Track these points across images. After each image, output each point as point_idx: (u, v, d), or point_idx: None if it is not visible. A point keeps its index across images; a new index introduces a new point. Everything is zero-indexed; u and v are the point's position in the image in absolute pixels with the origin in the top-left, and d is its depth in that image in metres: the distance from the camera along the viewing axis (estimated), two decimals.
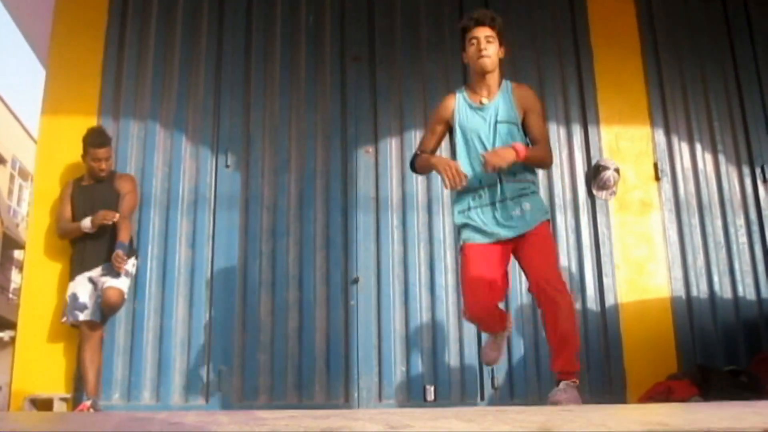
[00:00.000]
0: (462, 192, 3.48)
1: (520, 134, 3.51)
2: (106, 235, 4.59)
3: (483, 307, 3.40)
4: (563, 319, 3.18)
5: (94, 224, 4.52)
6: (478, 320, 3.58)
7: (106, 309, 4.44)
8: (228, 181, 5.16)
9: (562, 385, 3.12)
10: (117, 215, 4.55)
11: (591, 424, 1.17)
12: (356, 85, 5.44)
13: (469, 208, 3.47)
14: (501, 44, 3.56)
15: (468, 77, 3.91)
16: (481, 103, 3.55)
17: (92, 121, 5.07)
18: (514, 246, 3.40)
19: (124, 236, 4.58)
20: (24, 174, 22.11)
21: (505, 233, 3.36)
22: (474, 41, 3.50)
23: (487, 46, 3.47)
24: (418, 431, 1.07)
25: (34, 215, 5.04)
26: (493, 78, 3.56)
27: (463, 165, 3.42)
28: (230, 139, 5.23)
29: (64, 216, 4.68)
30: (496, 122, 3.48)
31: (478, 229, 3.41)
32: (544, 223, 3.41)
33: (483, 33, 3.48)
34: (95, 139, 4.70)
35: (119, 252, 4.44)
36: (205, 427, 1.14)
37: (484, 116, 3.52)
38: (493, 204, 3.40)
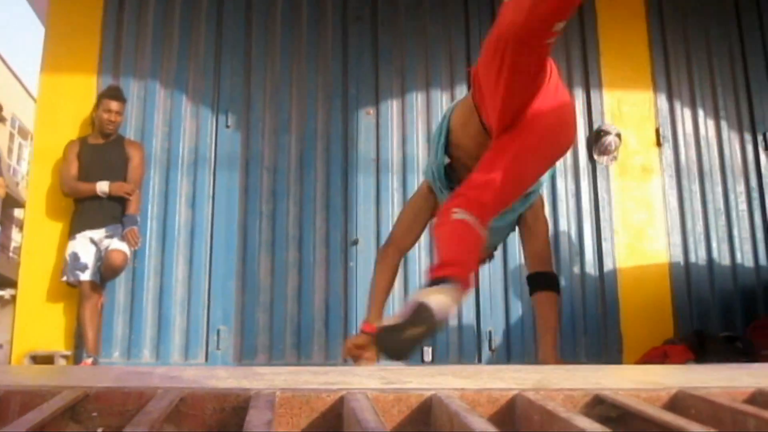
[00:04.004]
0: None
1: None
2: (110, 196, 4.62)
3: None
4: None
5: (111, 191, 4.55)
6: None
7: (108, 271, 4.46)
8: (228, 142, 5.14)
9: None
10: (135, 190, 4.60)
11: (586, 382, 1.18)
12: (357, 46, 5.40)
13: None
14: None
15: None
16: None
17: (92, 80, 5.05)
18: None
19: (134, 208, 4.63)
20: (24, 133, 22.03)
21: None
22: None
23: None
24: (414, 387, 1.08)
25: (34, 174, 5.03)
26: None
27: None
28: (231, 99, 5.20)
29: (70, 174, 4.68)
30: None
31: None
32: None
33: None
34: (111, 91, 4.79)
35: (135, 229, 4.50)
36: (204, 382, 1.16)
37: None
38: None
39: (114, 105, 4.72)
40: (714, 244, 5.45)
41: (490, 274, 5.05)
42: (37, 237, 4.86)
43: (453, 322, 5.00)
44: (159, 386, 1.03)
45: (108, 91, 4.80)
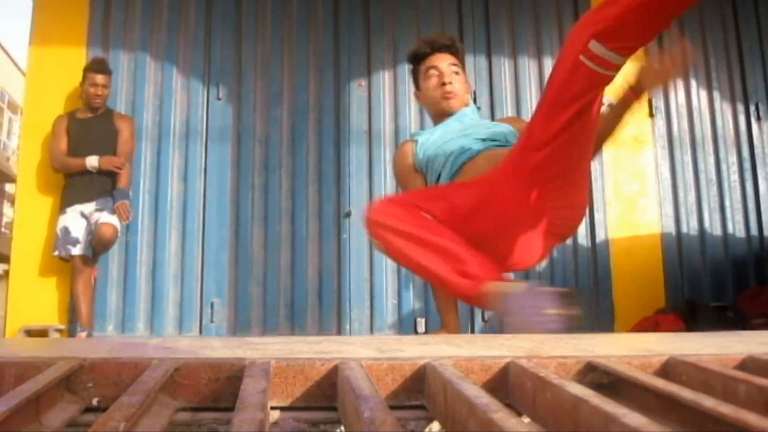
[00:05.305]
0: None
1: None
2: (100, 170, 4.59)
3: None
4: None
5: (101, 165, 4.52)
6: None
7: (99, 245, 4.46)
8: (220, 114, 5.12)
9: None
10: (125, 163, 4.57)
11: (578, 350, 1.19)
12: (349, 18, 5.36)
13: None
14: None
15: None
16: None
17: (81, 52, 5.01)
18: None
19: (125, 182, 4.59)
20: (13, 107, 21.87)
21: None
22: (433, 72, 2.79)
23: (453, 78, 2.78)
24: (408, 355, 1.09)
25: (24, 148, 5.01)
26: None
27: None
28: (222, 71, 5.17)
29: (59, 149, 4.65)
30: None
31: None
32: None
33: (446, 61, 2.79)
34: (95, 65, 4.72)
35: (126, 203, 4.48)
36: (199, 352, 1.16)
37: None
38: None
39: (99, 78, 4.67)
40: (706, 215, 5.46)
41: None
42: (29, 212, 4.85)
43: None
44: (154, 357, 1.04)
45: (92, 64, 4.74)
